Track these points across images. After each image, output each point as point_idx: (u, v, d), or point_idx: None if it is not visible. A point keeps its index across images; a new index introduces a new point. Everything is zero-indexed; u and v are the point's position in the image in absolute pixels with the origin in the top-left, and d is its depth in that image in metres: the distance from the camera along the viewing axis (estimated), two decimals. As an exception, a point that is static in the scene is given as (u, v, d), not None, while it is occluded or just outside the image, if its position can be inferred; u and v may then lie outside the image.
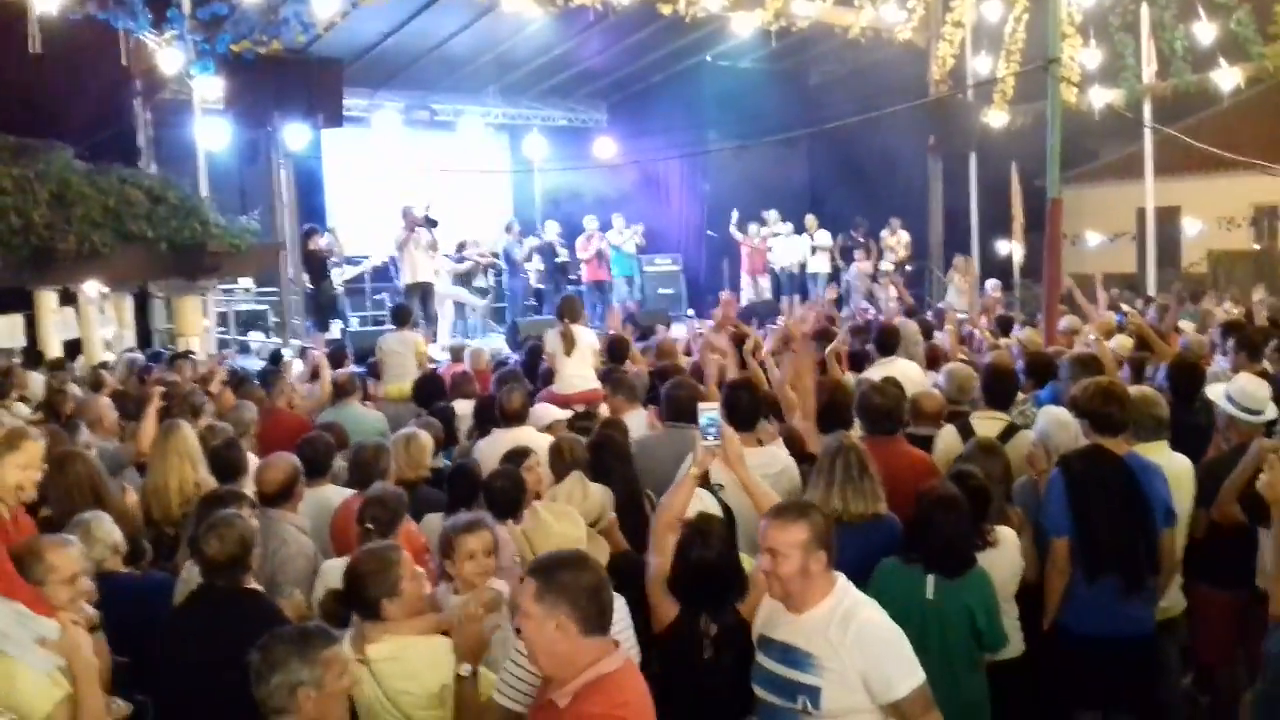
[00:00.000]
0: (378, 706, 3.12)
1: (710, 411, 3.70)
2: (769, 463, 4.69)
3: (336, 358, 9.50)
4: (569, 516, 3.66)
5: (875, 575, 3.93)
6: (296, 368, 9.40)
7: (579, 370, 7.76)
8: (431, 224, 13.70)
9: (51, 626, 3.16)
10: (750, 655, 3.33)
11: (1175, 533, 4.35)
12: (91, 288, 11.21)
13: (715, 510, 4.06)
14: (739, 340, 7.26)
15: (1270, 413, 4.73)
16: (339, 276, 15.24)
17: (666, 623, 3.46)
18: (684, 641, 3.41)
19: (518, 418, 5.85)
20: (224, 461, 5.04)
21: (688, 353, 8.98)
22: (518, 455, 4.86)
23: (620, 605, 3.31)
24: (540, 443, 5.23)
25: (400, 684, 3.13)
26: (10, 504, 3.76)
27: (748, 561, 3.71)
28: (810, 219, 17.74)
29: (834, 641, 3.06)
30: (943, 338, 8.74)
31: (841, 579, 3.21)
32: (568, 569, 2.65)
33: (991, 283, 15.51)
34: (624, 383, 6.47)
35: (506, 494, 4.34)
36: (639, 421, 5.99)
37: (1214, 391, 4.91)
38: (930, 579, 3.84)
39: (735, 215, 17.63)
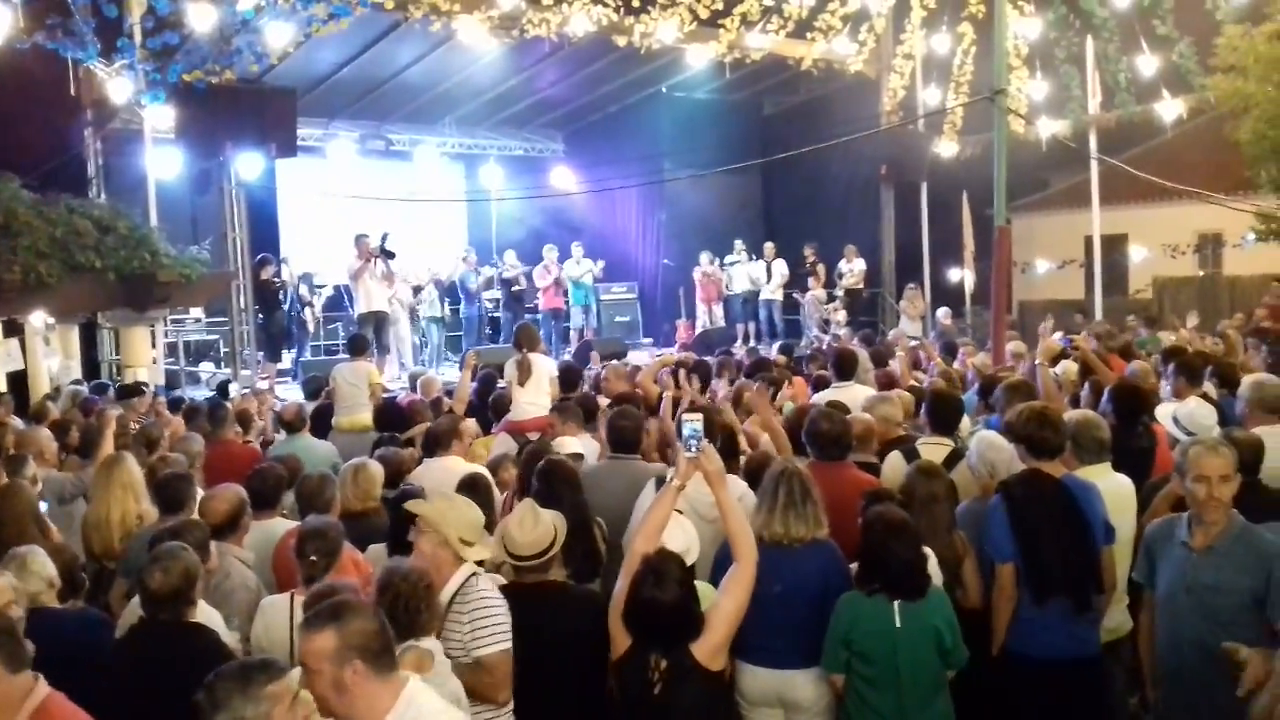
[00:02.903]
0: None
1: (694, 422, 3.63)
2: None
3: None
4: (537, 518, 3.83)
5: (839, 609, 3.96)
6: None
7: (534, 398, 7.76)
8: (389, 255, 13.62)
9: None
10: (704, 695, 3.35)
11: (1114, 551, 4.39)
12: (37, 319, 11.02)
13: (689, 536, 4.08)
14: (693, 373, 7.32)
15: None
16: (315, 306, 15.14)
17: (620, 653, 3.46)
18: (634, 675, 3.40)
19: (446, 445, 5.96)
20: (170, 493, 4.96)
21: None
22: (467, 484, 4.86)
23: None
24: (472, 469, 5.31)
25: None
26: None
27: (708, 593, 3.72)
28: (768, 246, 17.88)
29: None
30: (894, 364, 8.84)
31: (410, 687, 2.74)
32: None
33: (942, 310, 15.74)
34: (569, 409, 6.53)
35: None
36: (591, 447, 6.06)
37: (1162, 413, 4.99)
38: (896, 606, 3.88)
39: (705, 257, 17.77)
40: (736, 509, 3.67)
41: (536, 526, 3.88)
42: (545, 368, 8.03)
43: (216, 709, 2.52)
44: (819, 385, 7.76)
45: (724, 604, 3.48)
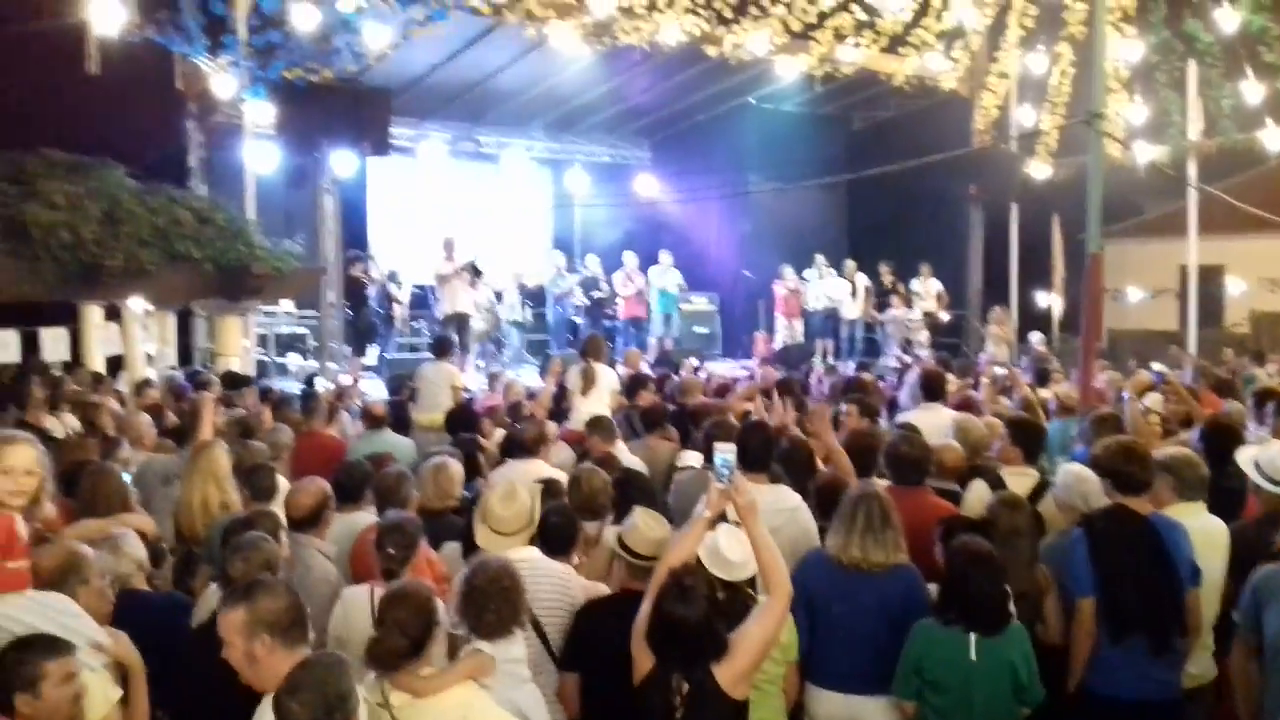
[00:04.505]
0: None
1: (726, 453, 3.56)
2: (778, 500, 4.68)
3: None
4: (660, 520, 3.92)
5: (914, 637, 3.92)
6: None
7: (593, 408, 7.80)
8: (477, 273, 13.83)
9: (100, 631, 3.33)
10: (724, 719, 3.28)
11: (1200, 593, 4.27)
12: (136, 304, 11.39)
13: (746, 549, 3.98)
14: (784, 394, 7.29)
15: None
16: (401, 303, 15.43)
17: (642, 675, 3.36)
18: (656, 697, 3.31)
19: (532, 450, 5.97)
20: (258, 482, 5.09)
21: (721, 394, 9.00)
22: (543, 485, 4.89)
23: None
24: (552, 474, 5.32)
25: None
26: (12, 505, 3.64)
27: None
28: (850, 264, 17.71)
29: None
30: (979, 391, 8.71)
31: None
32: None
33: (1036, 336, 15.43)
34: (600, 424, 6.64)
35: (559, 529, 4.37)
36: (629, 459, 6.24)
37: (1243, 458, 4.83)
38: (972, 638, 3.82)
39: (788, 271, 17.65)
40: (769, 542, 3.52)
41: (662, 527, 3.94)
42: (608, 379, 8.13)
43: (2, 674, 2.93)
44: (890, 407, 7.69)
45: (753, 631, 3.38)
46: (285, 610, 2.96)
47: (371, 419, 7.65)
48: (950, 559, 3.99)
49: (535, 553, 4.17)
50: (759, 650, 3.37)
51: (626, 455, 6.48)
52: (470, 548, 4.57)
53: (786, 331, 17.60)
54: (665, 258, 17.49)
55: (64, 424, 7.15)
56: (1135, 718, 4.14)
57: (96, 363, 11.00)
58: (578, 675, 3.90)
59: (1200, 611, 4.29)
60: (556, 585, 4.06)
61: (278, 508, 4.73)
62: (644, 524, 3.95)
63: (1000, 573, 3.92)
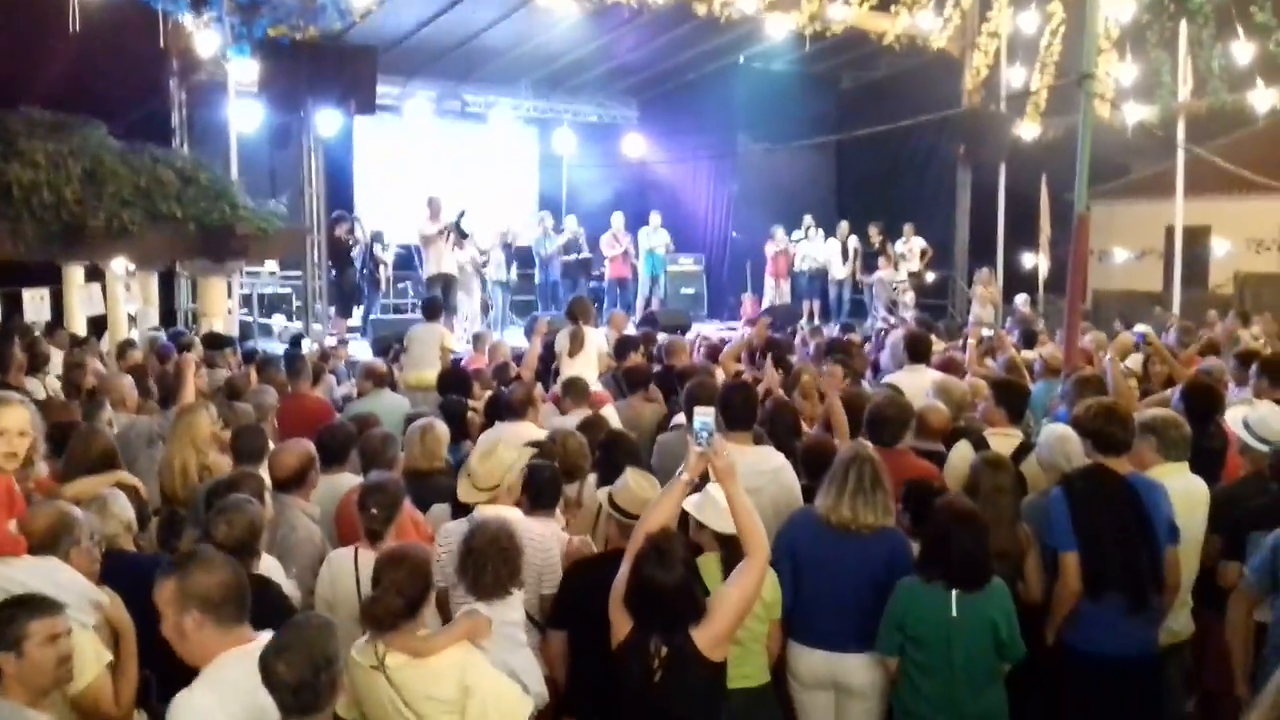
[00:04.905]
0: (392, 710, 3.17)
1: (705, 415, 3.48)
2: (761, 461, 4.71)
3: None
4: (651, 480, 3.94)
5: (897, 594, 3.97)
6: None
7: (582, 371, 7.79)
8: (463, 234, 13.73)
9: (96, 590, 3.35)
10: (704, 684, 3.28)
11: (1179, 551, 4.32)
12: (119, 265, 11.32)
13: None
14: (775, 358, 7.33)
15: None
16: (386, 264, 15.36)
17: (620, 638, 3.35)
18: (634, 661, 3.29)
19: (519, 412, 5.94)
20: (244, 444, 5.07)
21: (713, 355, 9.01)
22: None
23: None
24: (540, 436, 5.33)
25: (421, 689, 3.16)
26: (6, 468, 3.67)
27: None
28: (843, 225, 17.64)
29: None
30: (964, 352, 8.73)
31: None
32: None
33: (1021, 297, 15.45)
34: (573, 386, 6.64)
35: (545, 485, 4.40)
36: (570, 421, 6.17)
37: (1232, 417, 4.87)
38: (954, 595, 3.87)
39: (779, 231, 17.55)
40: (747, 504, 3.47)
41: (653, 487, 3.96)
42: (596, 340, 8.12)
43: None
44: (874, 369, 7.71)
45: (730, 594, 3.37)
46: (218, 586, 2.88)
47: (376, 377, 7.64)
48: (933, 516, 4.02)
49: (516, 513, 4.20)
50: (737, 613, 3.36)
51: (615, 417, 6.50)
52: (458, 509, 4.60)
53: (774, 292, 17.58)
54: (655, 218, 17.44)
55: (45, 385, 7.12)
56: (1113, 673, 4.20)
57: (78, 324, 10.97)
58: (565, 633, 3.93)
59: (1179, 569, 4.35)
60: (535, 547, 4.08)
61: (264, 469, 4.74)
62: (635, 483, 3.97)
63: (982, 530, 3.96)
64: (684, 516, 4.03)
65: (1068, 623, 4.28)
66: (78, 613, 3.23)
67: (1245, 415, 4.80)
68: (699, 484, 3.70)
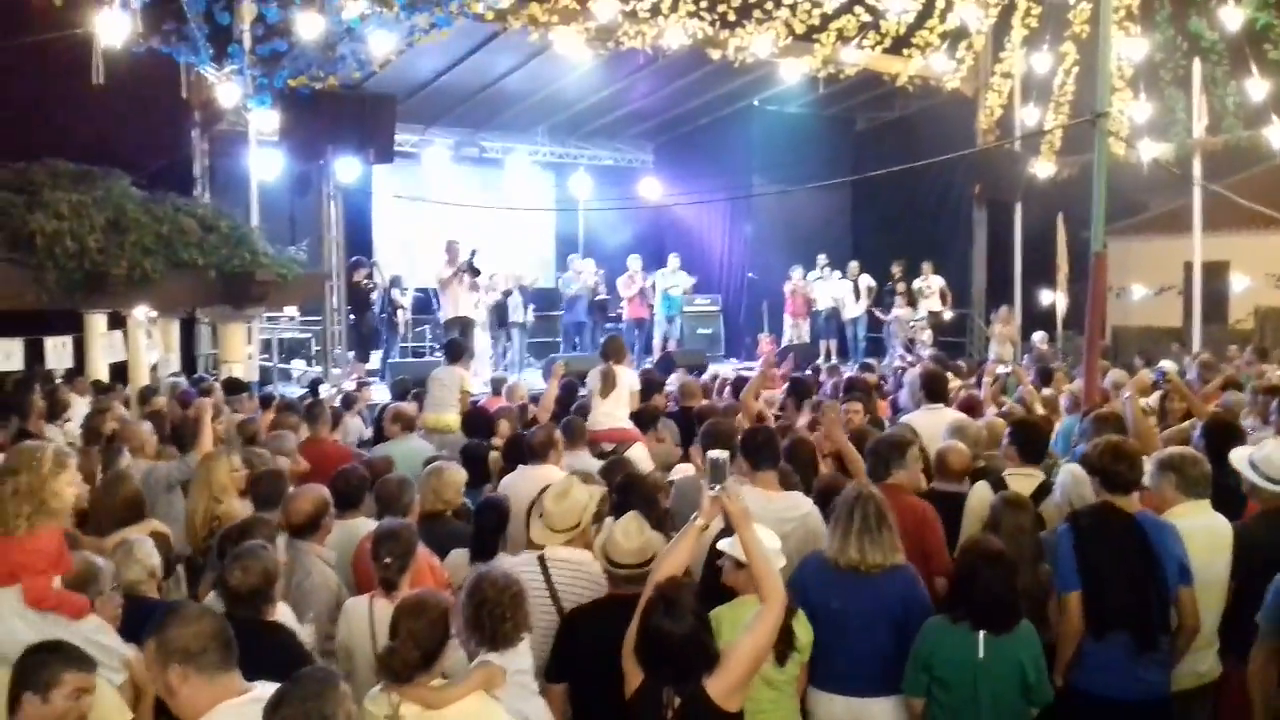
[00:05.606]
0: None
1: (719, 458, 3.46)
2: (791, 507, 4.69)
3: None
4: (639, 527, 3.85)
5: (924, 634, 3.93)
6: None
7: (611, 409, 7.82)
8: (475, 272, 13.85)
9: (128, 650, 3.41)
10: None
11: (1196, 591, 4.23)
12: (141, 312, 11.43)
13: (773, 539, 3.93)
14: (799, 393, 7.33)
15: None
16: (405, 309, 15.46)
17: (633, 689, 3.28)
18: (647, 713, 3.21)
19: (543, 455, 5.90)
20: (263, 490, 5.09)
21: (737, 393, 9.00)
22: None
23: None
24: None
25: None
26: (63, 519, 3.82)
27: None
28: (853, 265, 17.73)
29: None
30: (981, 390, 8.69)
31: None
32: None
33: (1038, 335, 15.39)
34: (570, 427, 6.61)
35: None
36: (586, 461, 6.23)
37: (1237, 456, 4.80)
38: (981, 636, 3.82)
39: (797, 271, 17.63)
40: (763, 549, 3.44)
41: (641, 534, 3.89)
42: (628, 380, 8.09)
43: (21, 670, 3.04)
44: (893, 408, 7.68)
45: (745, 642, 3.30)
46: (194, 635, 2.82)
47: (404, 421, 7.66)
48: (962, 556, 3.99)
49: (586, 555, 4.16)
50: (751, 661, 3.30)
51: (646, 457, 6.49)
52: (476, 554, 4.60)
53: (793, 331, 17.61)
54: (673, 260, 17.55)
55: (65, 432, 7.18)
56: (1121, 716, 4.12)
57: (100, 371, 11.05)
58: (564, 686, 3.82)
59: (1196, 610, 4.25)
60: (595, 587, 4.04)
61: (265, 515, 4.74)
62: (620, 534, 3.88)
63: (1011, 572, 3.92)
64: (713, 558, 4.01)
65: (1074, 665, 4.20)
66: (107, 670, 3.26)
67: (1250, 455, 4.73)
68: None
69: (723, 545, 3.77)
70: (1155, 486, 4.60)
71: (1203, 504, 4.54)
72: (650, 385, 8.63)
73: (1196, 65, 16.46)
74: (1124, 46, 16.22)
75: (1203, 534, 4.37)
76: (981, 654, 3.81)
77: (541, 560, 4.13)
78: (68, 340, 11.12)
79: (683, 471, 6.07)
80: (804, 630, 3.88)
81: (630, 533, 3.87)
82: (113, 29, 10.94)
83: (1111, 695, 4.12)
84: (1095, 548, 4.18)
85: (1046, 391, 9.13)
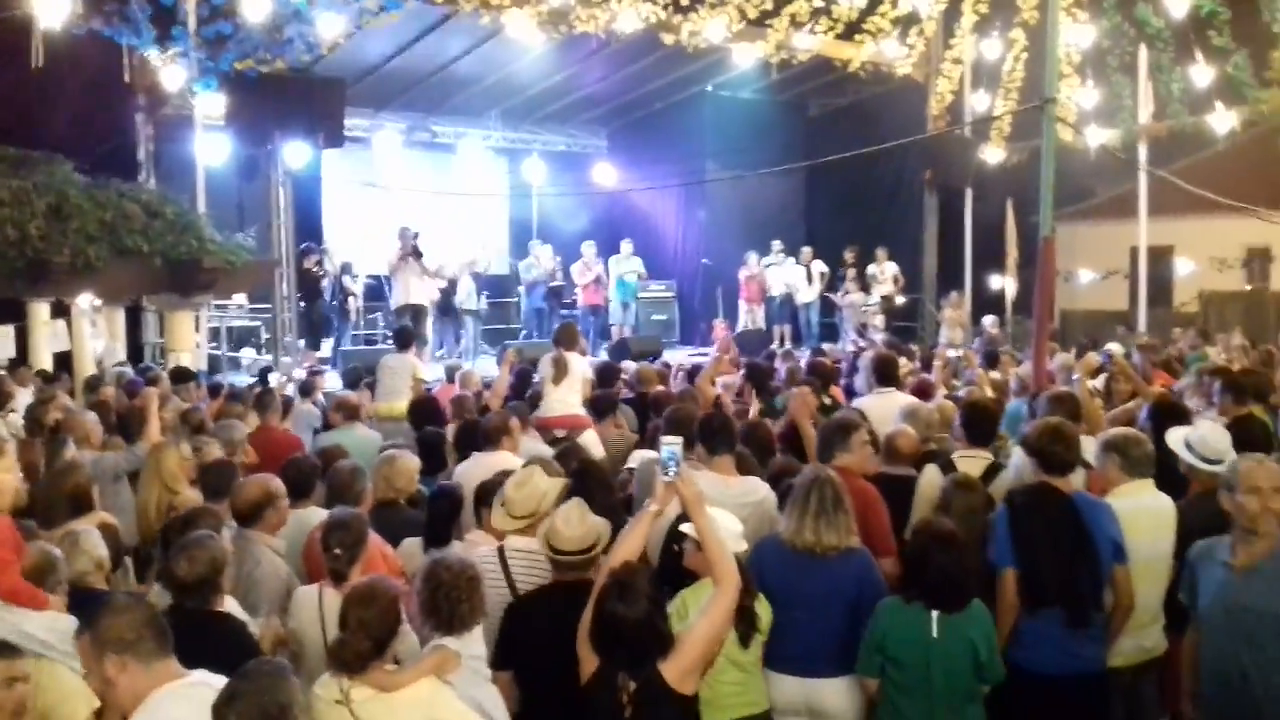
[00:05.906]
0: None
1: (672, 445, 3.45)
2: (748, 492, 4.71)
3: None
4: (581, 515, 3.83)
5: (878, 614, 3.97)
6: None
7: (564, 396, 7.79)
8: (418, 255, 13.78)
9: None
10: (674, 715, 3.22)
11: (1130, 569, 4.30)
12: (85, 300, 11.21)
13: (734, 522, 3.98)
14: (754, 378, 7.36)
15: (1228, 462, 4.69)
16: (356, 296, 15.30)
17: (588, 675, 3.29)
18: (603, 698, 3.23)
19: (496, 441, 5.87)
20: (213, 480, 5.02)
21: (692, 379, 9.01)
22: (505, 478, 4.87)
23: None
24: (513, 467, 5.27)
25: None
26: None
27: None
28: (806, 250, 17.81)
29: None
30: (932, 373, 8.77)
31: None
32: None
33: (989, 319, 15.58)
34: (519, 410, 6.69)
35: None
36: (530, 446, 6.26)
37: (1173, 438, 4.89)
38: (934, 616, 3.87)
39: (752, 257, 17.66)
40: (716, 534, 3.47)
41: (583, 523, 3.86)
42: (580, 367, 8.08)
43: None
44: (847, 393, 7.74)
45: (699, 626, 3.32)
46: (129, 625, 2.81)
47: (348, 410, 7.58)
48: (914, 538, 4.04)
49: None
50: (706, 644, 3.32)
51: (598, 443, 6.49)
52: (429, 542, 4.57)
53: (748, 317, 17.66)
54: (626, 246, 17.51)
55: (7, 423, 7.02)
56: (1056, 691, 4.19)
57: (44, 360, 10.82)
58: (509, 674, 3.79)
59: (1130, 588, 4.32)
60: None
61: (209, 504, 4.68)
62: (561, 522, 3.84)
63: (962, 551, 3.97)
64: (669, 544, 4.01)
65: (1012, 641, 4.26)
66: (71, 660, 3.20)
67: (1185, 436, 4.82)
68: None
69: (685, 528, 3.79)
70: (1100, 467, 4.70)
71: (1146, 483, 4.62)
72: (608, 372, 8.62)
73: (1143, 52, 16.72)
74: (1072, 33, 16.43)
75: (1146, 514, 4.45)
76: (935, 633, 3.86)
77: (500, 551, 4.15)
78: (10, 330, 10.87)
79: (641, 457, 6.07)
80: (765, 611, 3.92)
81: (571, 520, 3.84)
82: (52, 10, 10.64)
83: (1047, 670, 4.19)
84: (1030, 526, 4.27)
85: (994, 375, 9.24)
